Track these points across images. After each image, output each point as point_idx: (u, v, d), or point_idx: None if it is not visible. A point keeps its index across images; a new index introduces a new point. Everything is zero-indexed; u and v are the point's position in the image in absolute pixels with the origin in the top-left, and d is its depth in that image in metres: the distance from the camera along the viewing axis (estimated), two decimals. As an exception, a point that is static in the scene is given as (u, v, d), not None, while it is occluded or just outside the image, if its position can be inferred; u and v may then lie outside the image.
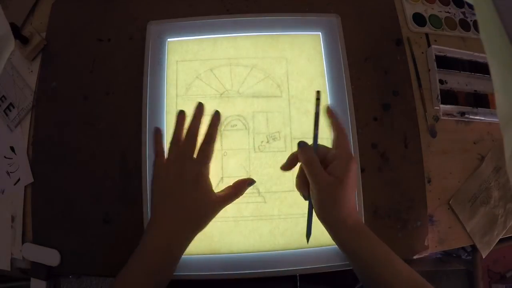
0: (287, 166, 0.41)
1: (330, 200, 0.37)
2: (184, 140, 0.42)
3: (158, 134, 0.45)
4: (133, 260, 0.37)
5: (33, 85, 0.51)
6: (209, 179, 0.41)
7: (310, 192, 0.38)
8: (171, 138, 0.43)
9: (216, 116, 0.44)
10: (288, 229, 0.45)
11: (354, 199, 0.39)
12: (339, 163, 0.37)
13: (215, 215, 0.40)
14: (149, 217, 0.41)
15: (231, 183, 0.46)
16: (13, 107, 0.51)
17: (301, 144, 0.39)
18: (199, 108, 0.44)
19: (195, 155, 0.41)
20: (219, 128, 0.44)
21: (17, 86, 0.52)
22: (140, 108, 0.48)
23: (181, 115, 0.44)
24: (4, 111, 0.51)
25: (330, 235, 0.38)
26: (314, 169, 0.37)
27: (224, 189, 0.42)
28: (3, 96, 0.52)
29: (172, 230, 0.38)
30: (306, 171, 0.38)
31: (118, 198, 0.47)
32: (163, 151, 0.43)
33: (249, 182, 0.43)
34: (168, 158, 0.42)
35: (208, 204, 0.40)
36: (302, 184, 0.39)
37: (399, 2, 0.56)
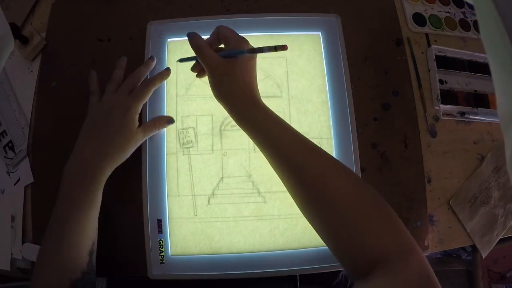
0: (195, 69, 0.45)
1: (221, 79, 0.40)
2: (125, 81, 0.45)
3: (93, 76, 0.47)
4: (60, 191, 0.40)
5: (33, 85, 0.51)
6: (137, 115, 0.43)
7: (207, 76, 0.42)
8: (111, 78, 0.46)
9: (166, 70, 0.47)
10: (288, 229, 0.45)
11: (249, 75, 0.40)
12: (229, 46, 0.40)
13: (134, 144, 0.43)
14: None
15: (231, 183, 0.46)
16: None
17: (189, 34, 0.41)
18: (151, 59, 0.48)
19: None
20: (165, 80, 0.48)
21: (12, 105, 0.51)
22: (140, 108, 0.48)
23: (123, 60, 0.48)
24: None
25: (227, 111, 0.41)
26: (203, 53, 0.39)
27: (146, 123, 0.45)
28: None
29: (89, 157, 0.40)
30: (197, 56, 0.41)
31: (118, 197, 0.47)
32: (98, 91, 0.46)
33: (168, 119, 0.46)
34: (105, 93, 0.44)
35: (128, 137, 0.42)
36: (198, 69, 0.45)
37: (399, 2, 0.56)
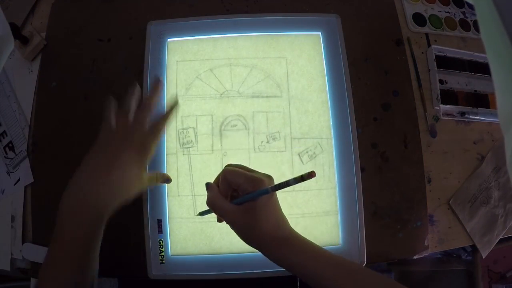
0: (219, 220, 0.40)
1: (244, 228, 0.36)
2: (140, 108, 0.41)
3: (111, 104, 0.42)
4: (59, 217, 0.36)
5: (33, 85, 0.51)
6: (150, 155, 0.40)
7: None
8: (124, 104, 0.41)
9: (175, 103, 0.44)
10: (288, 229, 0.45)
11: (273, 214, 0.36)
12: (246, 190, 0.35)
13: (137, 193, 0.40)
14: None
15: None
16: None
17: (206, 186, 0.38)
18: (158, 82, 0.45)
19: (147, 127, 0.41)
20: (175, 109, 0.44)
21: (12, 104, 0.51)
22: (140, 108, 0.48)
23: (137, 89, 0.43)
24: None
25: (264, 255, 0.37)
26: (217, 208, 0.36)
27: (154, 173, 0.44)
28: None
29: (95, 195, 0.37)
30: (213, 211, 0.37)
31: (118, 198, 0.47)
32: (112, 120, 0.41)
33: (166, 178, 0.45)
34: (118, 123, 0.40)
35: (137, 180, 0.39)
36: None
37: (399, 2, 0.56)
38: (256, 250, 0.44)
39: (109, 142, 0.39)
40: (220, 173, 0.37)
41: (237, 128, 0.48)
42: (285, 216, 0.37)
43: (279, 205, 0.37)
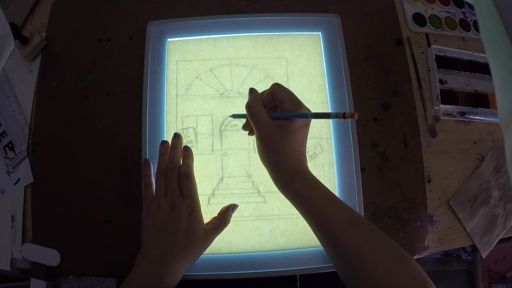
0: (246, 127, 0.42)
1: (269, 145, 0.37)
2: (168, 173, 0.42)
3: (146, 166, 0.44)
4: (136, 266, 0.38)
5: (33, 85, 0.51)
6: (200, 212, 0.41)
7: (255, 137, 0.39)
8: (157, 170, 0.44)
9: (188, 152, 0.45)
10: (288, 229, 0.45)
11: (298, 145, 0.37)
12: (286, 109, 0.37)
13: (206, 248, 0.41)
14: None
15: (231, 183, 0.46)
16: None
17: (250, 90, 0.39)
18: (177, 138, 0.45)
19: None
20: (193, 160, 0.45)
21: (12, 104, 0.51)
22: (140, 108, 0.48)
23: (163, 145, 0.45)
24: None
25: (271, 176, 0.39)
26: (253, 113, 0.37)
27: (211, 220, 0.43)
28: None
29: (165, 263, 0.39)
30: (247, 115, 0.38)
31: (118, 198, 0.47)
32: (151, 183, 0.44)
33: (232, 208, 0.44)
34: (157, 191, 0.42)
35: (199, 238, 0.40)
36: (249, 128, 0.41)
37: (399, 2, 0.56)
38: (256, 250, 0.44)
39: (158, 216, 0.40)
40: (265, 90, 0.39)
41: (237, 128, 0.48)
42: (305, 153, 0.39)
43: (306, 140, 0.38)
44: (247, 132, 0.43)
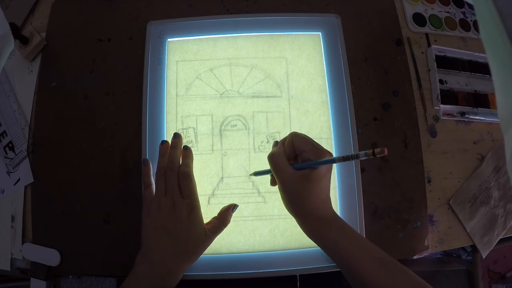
0: (273, 182, 0.42)
1: (294, 195, 0.37)
2: (168, 172, 0.42)
3: (146, 166, 0.44)
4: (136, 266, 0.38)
5: (33, 85, 0.51)
6: (200, 212, 0.41)
7: (278, 187, 0.39)
8: (156, 169, 0.44)
9: (187, 150, 0.45)
10: (288, 229, 0.45)
11: (323, 192, 0.38)
12: (308, 158, 0.37)
13: (206, 248, 0.41)
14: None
15: (231, 183, 0.46)
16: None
17: (274, 143, 0.40)
18: (177, 138, 0.45)
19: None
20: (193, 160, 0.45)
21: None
22: (140, 108, 0.48)
23: (163, 144, 0.45)
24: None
25: (298, 225, 0.39)
26: (277, 165, 0.37)
27: (211, 220, 0.43)
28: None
29: (165, 263, 0.39)
30: (270, 166, 0.38)
31: (118, 198, 0.47)
32: (151, 183, 0.44)
33: (232, 208, 0.44)
34: (157, 191, 0.42)
35: (199, 238, 0.40)
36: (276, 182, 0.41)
37: (399, 2, 0.56)
38: (256, 250, 0.44)
39: (158, 216, 0.41)
40: (285, 137, 0.39)
41: (237, 128, 0.48)
42: (330, 198, 0.39)
43: (329, 186, 0.38)
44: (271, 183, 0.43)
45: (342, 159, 0.32)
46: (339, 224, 0.38)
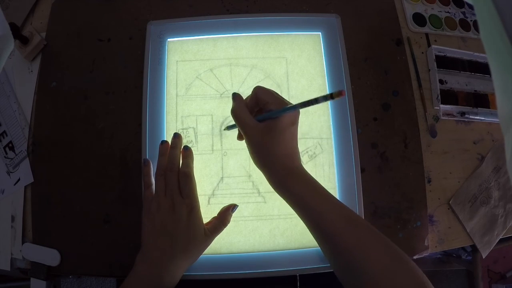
0: (240, 137, 0.43)
1: (259, 148, 0.37)
2: (168, 172, 0.42)
3: (146, 166, 0.45)
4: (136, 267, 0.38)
5: (33, 85, 0.51)
6: (200, 212, 0.41)
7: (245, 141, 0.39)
8: (156, 169, 0.44)
9: (187, 150, 0.45)
10: (288, 229, 0.45)
11: (288, 144, 0.37)
12: (270, 110, 0.37)
13: (205, 248, 0.41)
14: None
15: (231, 183, 0.46)
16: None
17: (232, 95, 0.39)
18: (177, 138, 0.45)
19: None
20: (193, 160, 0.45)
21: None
22: (140, 108, 0.48)
23: (163, 144, 0.45)
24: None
25: (266, 178, 0.39)
26: (239, 118, 0.37)
27: (211, 220, 0.43)
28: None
29: (164, 263, 0.39)
30: (234, 121, 0.38)
31: (118, 198, 0.47)
32: (151, 183, 0.44)
33: (232, 208, 0.44)
34: (157, 191, 0.42)
35: (199, 238, 0.40)
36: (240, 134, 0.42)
37: (399, 2, 0.56)
38: (256, 250, 0.44)
39: (157, 212, 0.41)
40: (249, 95, 0.39)
41: (237, 128, 0.47)
42: (298, 150, 0.39)
43: (297, 137, 0.38)
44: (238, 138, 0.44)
45: (302, 105, 0.33)
46: (307, 179, 0.38)
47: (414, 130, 0.50)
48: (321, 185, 0.38)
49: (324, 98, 0.30)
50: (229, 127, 0.46)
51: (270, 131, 0.36)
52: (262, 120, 0.37)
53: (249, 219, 0.45)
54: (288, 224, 0.45)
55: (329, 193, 0.37)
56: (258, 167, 0.39)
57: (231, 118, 0.47)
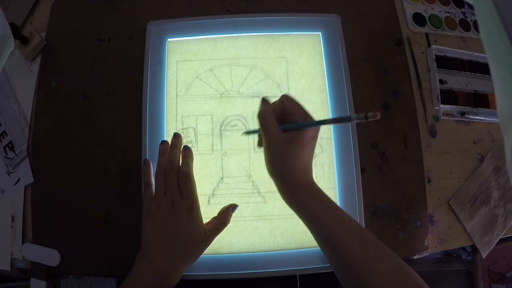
0: (260, 142, 0.42)
1: (277, 156, 0.37)
2: (168, 172, 0.42)
3: (146, 166, 0.44)
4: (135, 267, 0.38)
5: (33, 85, 0.51)
6: (199, 212, 0.41)
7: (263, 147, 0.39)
8: (156, 169, 0.43)
9: (187, 150, 0.45)
10: (288, 229, 0.45)
11: (305, 159, 0.37)
12: (296, 121, 0.37)
13: (205, 248, 0.41)
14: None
15: (231, 183, 0.46)
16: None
17: (262, 100, 0.39)
18: (177, 138, 0.45)
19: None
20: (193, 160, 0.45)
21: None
22: (140, 108, 0.48)
23: (163, 144, 0.45)
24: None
25: (277, 187, 0.38)
26: (266, 125, 0.36)
27: (211, 220, 0.43)
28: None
29: (164, 263, 0.39)
30: (260, 124, 0.38)
31: (118, 198, 0.47)
32: (151, 183, 0.44)
33: (232, 208, 0.43)
34: (157, 191, 0.42)
35: (199, 238, 0.40)
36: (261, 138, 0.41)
37: (399, 2, 0.56)
38: (256, 250, 0.44)
39: (157, 212, 0.41)
40: (276, 100, 0.38)
41: (237, 128, 0.48)
42: (312, 167, 0.39)
43: (313, 155, 0.38)
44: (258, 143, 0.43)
45: (333, 121, 0.32)
46: (319, 195, 0.38)
47: (414, 130, 0.50)
48: (333, 202, 0.38)
49: (357, 118, 0.29)
50: (249, 132, 0.45)
51: (294, 144, 0.36)
52: (286, 130, 0.36)
53: (249, 219, 0.45)
54: (288, 224, 0.45)
55: (342, 209, 0.38)
56: (271, 176, 0.38)
57: (231, 118, 0.47)
